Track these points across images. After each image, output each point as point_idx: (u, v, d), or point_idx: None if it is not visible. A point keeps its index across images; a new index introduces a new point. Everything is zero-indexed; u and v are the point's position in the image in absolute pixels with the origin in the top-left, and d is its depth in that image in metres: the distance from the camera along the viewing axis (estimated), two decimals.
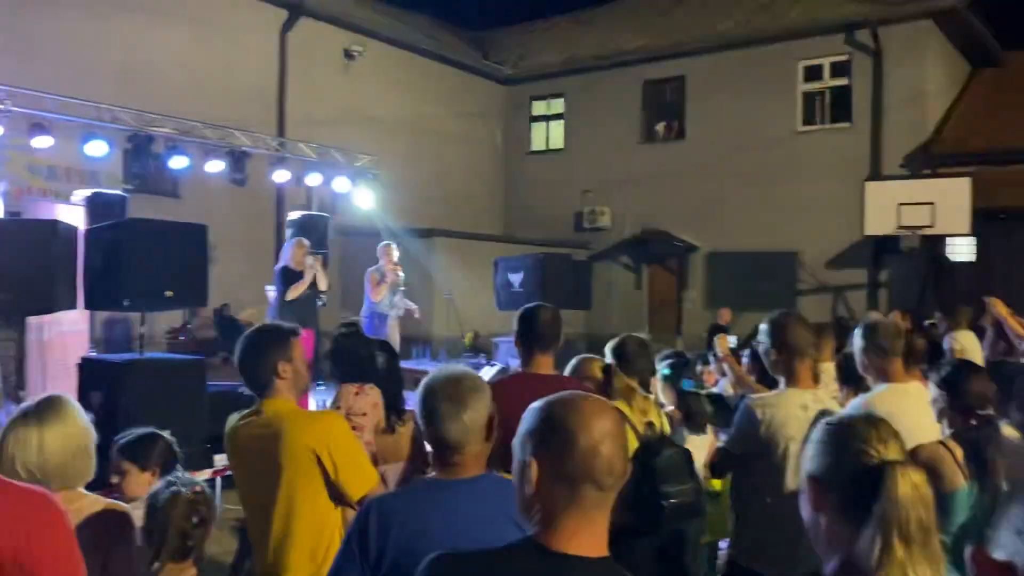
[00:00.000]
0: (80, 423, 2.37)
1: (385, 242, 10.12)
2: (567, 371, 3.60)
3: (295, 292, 8.62)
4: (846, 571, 1.54)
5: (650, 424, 3.53)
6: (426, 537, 1.93)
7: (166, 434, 3.06)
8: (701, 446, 4.04)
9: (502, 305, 10.20)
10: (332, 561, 2.10)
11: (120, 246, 6.76)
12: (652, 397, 3.87)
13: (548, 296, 10.61)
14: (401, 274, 9.67)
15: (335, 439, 2.61)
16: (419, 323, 15.49)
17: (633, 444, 3.38)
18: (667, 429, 3.79)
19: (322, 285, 9.35)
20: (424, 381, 2.13)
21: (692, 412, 4.08)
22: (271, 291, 9.53)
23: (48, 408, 2.33)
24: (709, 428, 4.29)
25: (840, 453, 1.60)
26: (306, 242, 9.17)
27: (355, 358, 3.47)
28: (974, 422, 2.94)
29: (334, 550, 2.68)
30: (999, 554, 0.84)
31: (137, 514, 2.44)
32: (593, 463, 1.45)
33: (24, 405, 2.36)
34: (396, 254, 9.83)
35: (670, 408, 4.35)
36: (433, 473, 2.14)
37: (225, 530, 5.21)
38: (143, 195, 11.18)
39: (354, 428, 3.13)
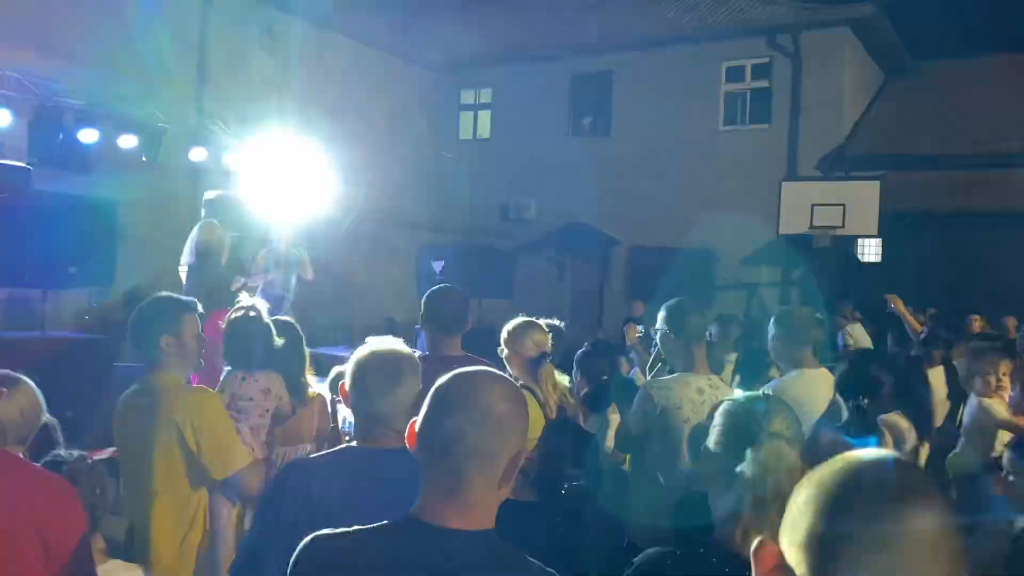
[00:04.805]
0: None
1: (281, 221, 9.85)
2: (506, 330, 3.60)
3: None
4: (731, 535, 1.61)
5: (562, 408, 3.59)
6: (349, 502, 1.91)
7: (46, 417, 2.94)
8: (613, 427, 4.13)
9: (423, 293, 10.13)
10: (202, 536, 2.06)
11: (22, 219, 6.51)
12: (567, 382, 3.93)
13: (470, 285, 10.64)
14: (300, 253, 9.42)
15: (199, 416, 2.56)
16: (339, 309, 15.30)
17: (540, 425, 3.43)
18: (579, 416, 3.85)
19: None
20: (359, 352, 2.12)
21: (596, 397, 4.14)
22: (184, 272, 9.27)
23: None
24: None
25: (737, 428, 1.65)
26: (216, 222, 8.95)
27: (246, 343, 3.41)
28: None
29: (197, 531, 2.61)
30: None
31: None
32: (436, 433, 1.42)
33: None
34: (291, 234, 9.56)
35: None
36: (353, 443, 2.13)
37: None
38: (50, 169, 10.72)
39: (238, 412, 3.08)
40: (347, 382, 2.09)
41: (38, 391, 2.46)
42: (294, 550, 1.89)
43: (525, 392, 3.43)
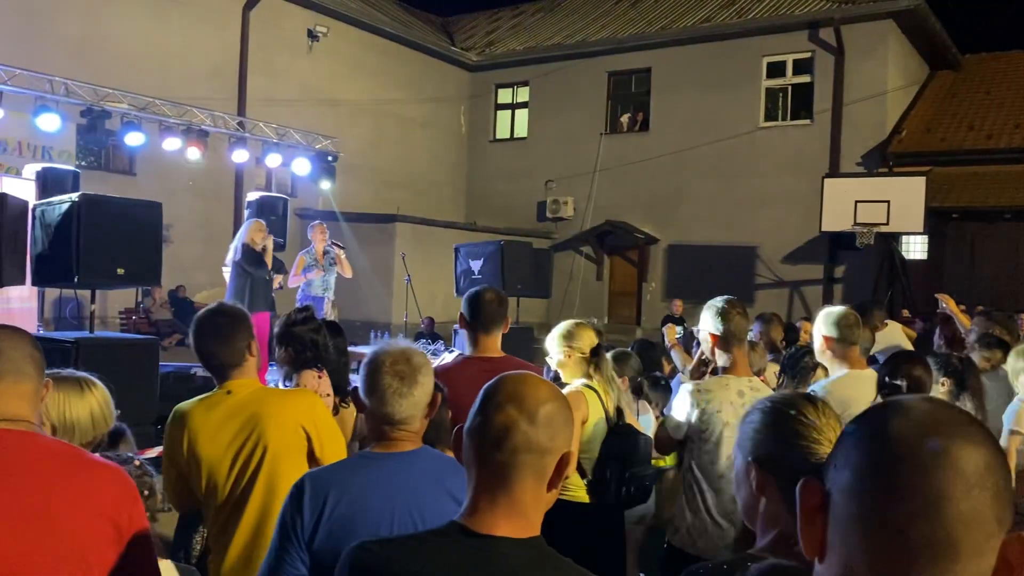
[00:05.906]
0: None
1: (316, 222, 9.95)
2: (558, 330, 3.61)
3: (268, 259, 8.52)
4: (780, 545, 1.59)
5: (619, 410, 3.57)
6: (364, 508, 1.92)
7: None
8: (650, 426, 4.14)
9: (461, 291, 10.19)
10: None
11: (71, 221, 6.65)
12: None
13: (508, 283, 10.63)
14: (336, 249, 9.51)
15: (319, 415, 2.64)
16: (378, 308, 15.44)
17: (600, 420, 3.43)
18: (630, 416, 3.83)
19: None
20: (371, 355, 2.09)
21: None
22: (227, 272, 9.41)
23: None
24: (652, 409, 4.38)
25: (790, 440, 1.62)
26: (264, 223, 9.06)
27: (311, 344, 3.48)
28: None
29: None
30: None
31: None
32: (486, 430, 1.41)
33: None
34: (327, 233, 9.66)
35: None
36: (368, 447, 2.12)
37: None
38: (97, 171, 10.98)
39: None
40: (361, 387, 2.06)
41: (110, 397, 2.44)
42: (316, 564, 1.90)
43: (587, 390, 3.46)
